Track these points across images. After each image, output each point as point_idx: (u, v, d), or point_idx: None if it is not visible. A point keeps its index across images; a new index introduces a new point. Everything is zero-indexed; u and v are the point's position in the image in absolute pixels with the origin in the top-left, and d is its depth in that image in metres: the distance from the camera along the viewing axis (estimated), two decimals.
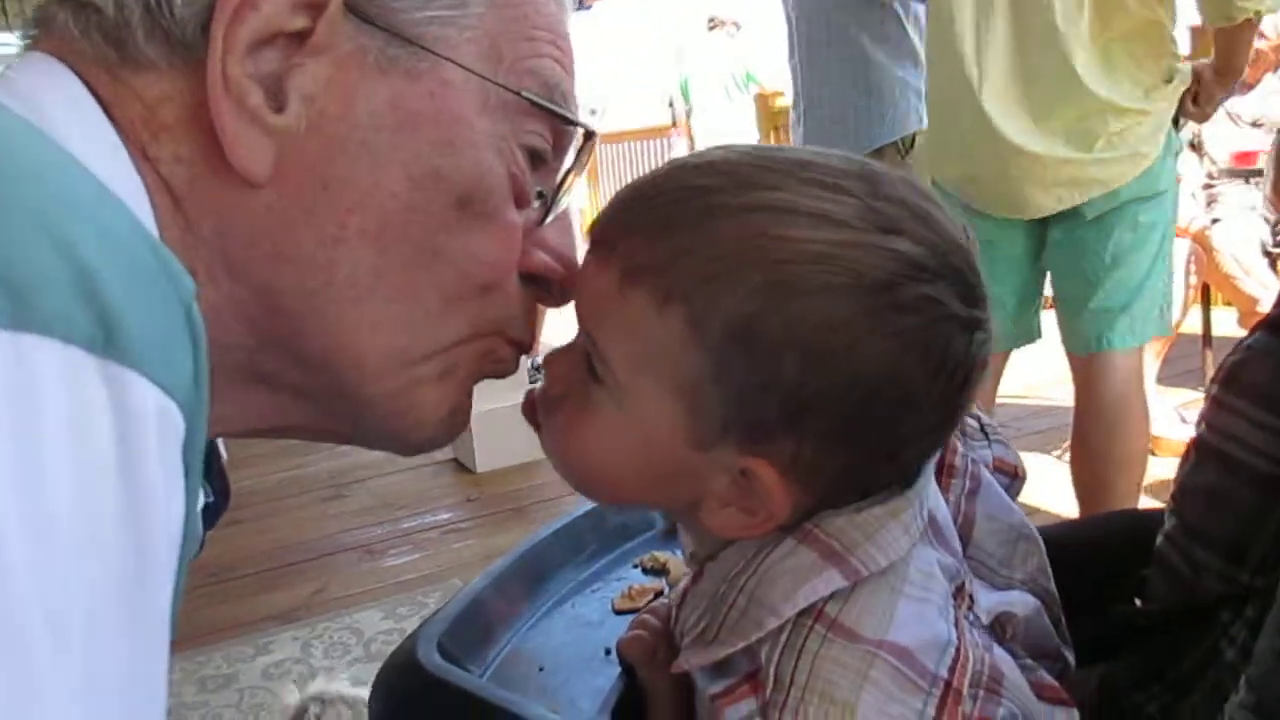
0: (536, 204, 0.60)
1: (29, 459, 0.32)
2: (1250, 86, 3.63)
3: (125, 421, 0.35)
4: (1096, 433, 2.19)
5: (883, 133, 2.80)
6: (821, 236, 0.54)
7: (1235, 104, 3.54)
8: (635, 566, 0.90)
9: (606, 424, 0.59)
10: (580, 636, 0.81)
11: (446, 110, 0.54)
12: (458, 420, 0.61)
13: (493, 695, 0.70)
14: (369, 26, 0.52)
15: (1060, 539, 0.75)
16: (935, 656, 0.56)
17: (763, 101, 4.73)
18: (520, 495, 3.35)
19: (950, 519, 0.66)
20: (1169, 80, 2.05)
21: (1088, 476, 2.23)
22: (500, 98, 0.56)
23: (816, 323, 0.54)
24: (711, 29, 7.37)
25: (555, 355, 0.64)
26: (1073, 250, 2.15)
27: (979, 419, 0.72)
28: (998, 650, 0.62)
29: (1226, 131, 3.63)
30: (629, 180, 0.62)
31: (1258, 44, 3.39)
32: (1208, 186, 3.63)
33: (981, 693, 0.57)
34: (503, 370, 0.63)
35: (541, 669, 0.77)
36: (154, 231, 0.47)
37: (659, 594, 0.83)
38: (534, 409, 0.64)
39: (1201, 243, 3.46)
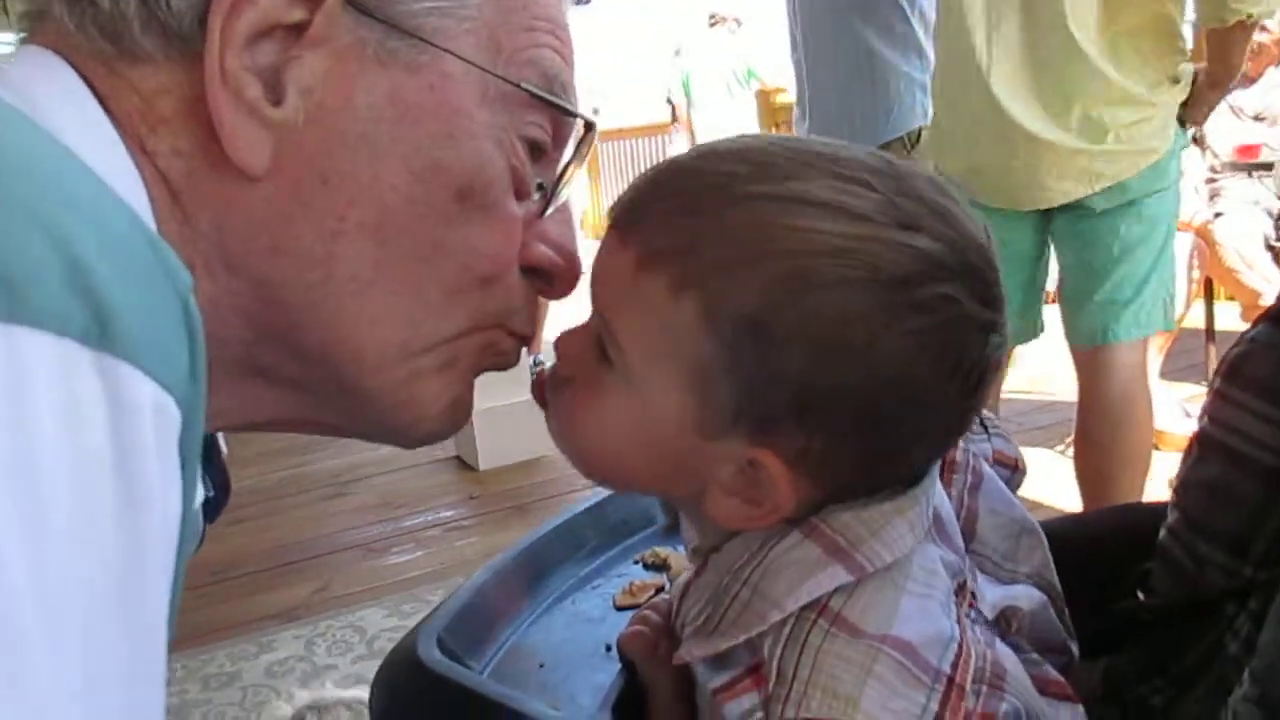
0: (536, 196, 0.60)
1: (22, 453, 0.32)
2: (1253, 80, 3.63)
3: (120, 415, 0.35)
4: (1100, 427, 2.18)
5: (888, 128, 2.77)
6: (839, 230, 0.53)
7: (1238, 97, 3.55)
8: (636, 562, 0.90)
9: (615, 407, 0.59)
10: (581, 633, 0.80)
11: (446, 102, 0.54)
12: (459, 413, 0.61)
13: (493, 691, 0.70)
14: (367, 19, 0.51)
15: (1063, 533, 0.75)
16: (938, 652, 0.56)
17: (764, 98, 4.73)
18: (523, 493, 3.35)
19: (953, 514, 0.66)
20: (1176, 81, 2.04)
21: (1091, 471, 2.22)
22: (499, 89, 0.55)
23: (831, 317, 0.53)
24: (712, 25, 7.35)
25: (567, 336, 0.63)
26: (1079, 243, 2.14)
27: None
28: (1000, 646, 0.61)
29: (1229, 125, 3.63)
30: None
31: (1260, 37, 3.39)
32: (1210, 180, 3.63)
33: (984, 688, 0.57)
34: (504, 363, 0.63)
35: (542, 665, 0.77)
36: (151, 225, 0.47)
37: (660, 590, 0.83)
38: (542, 389, 0.64)
39: (1204, 237, 3.46)
